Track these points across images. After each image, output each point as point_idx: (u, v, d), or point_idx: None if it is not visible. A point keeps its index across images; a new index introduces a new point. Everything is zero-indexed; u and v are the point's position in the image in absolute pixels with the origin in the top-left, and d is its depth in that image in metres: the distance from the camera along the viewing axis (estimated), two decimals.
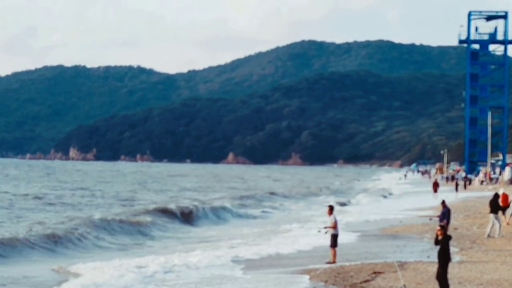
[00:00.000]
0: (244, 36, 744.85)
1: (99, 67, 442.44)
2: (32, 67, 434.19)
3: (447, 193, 56.93)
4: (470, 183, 72.21)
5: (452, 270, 17.10)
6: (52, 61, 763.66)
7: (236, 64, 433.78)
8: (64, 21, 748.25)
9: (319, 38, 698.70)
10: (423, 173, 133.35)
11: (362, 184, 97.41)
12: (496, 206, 26.26)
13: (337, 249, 21.04)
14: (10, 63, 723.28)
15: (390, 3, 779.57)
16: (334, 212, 21.54)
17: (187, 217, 38.18)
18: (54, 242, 26.17)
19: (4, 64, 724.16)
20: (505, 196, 29.58)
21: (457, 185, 57.16)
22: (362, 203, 52.85)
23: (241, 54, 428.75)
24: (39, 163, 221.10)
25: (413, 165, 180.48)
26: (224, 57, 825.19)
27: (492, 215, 26.19)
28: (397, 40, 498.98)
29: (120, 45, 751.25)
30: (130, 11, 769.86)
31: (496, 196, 26.63)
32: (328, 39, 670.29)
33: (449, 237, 15.04)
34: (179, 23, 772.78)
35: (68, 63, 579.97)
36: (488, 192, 59.22)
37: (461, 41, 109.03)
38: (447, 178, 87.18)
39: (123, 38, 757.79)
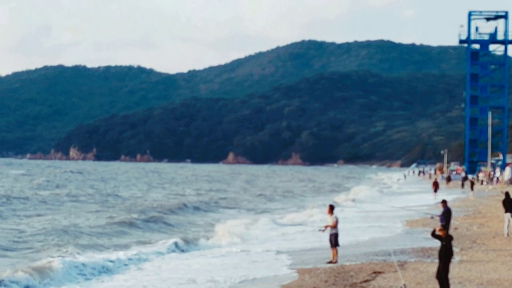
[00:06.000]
0: (258, 35, 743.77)
1: (99, 67, 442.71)
2: (45, 65, 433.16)
3: (459, 194, 57.73)
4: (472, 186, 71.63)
5: (452, 270, 17.13)
6: (65, 60, 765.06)
7: (236, 64, 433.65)
8: (77, 20, 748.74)
9: (319, 38, 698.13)
10: (420, 172, 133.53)
11: (363, 183, 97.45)
12: (510, 205, 26.16)
13: (338, 248, 21.08)
14: (22, 62, 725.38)
15: (395, 4, 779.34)
16: (335, 211, 21.59)
17: None
18: None
19: (16, 63, 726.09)
20: None
21: (472, 183, 56.34)
22: (362, 202, 52.74)
23: (251, 53, 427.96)
24: (53, 163, 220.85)
25: (413, 165, 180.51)
26: (235, 57, 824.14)
27: (508, 214, 26.14)
28: (397, 40, 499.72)
29: (131, 44, 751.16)
30: (144, 11, 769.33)
31: (508, 195, 26.48)
32: (328, 39, 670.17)
33: (451, 238, 15.08)
34: (191, 22, 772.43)
35: (79, 62, 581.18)
36: (488, 193, 59.32)
37: (461, 41, 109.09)
38: (446, 179, 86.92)
39: (135, 37, 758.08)
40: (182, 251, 25.04)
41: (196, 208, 45.53)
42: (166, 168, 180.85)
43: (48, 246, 25.05)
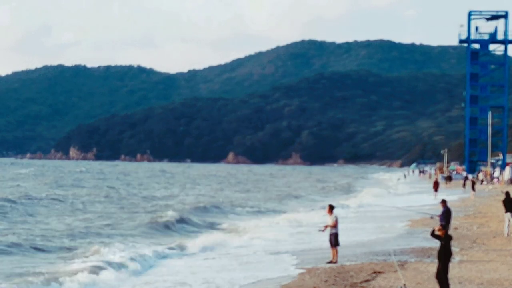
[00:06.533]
0: (258, 35, 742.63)
1: (99, 67, 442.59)
2: (45, 65, 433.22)
3: (461, 194, 57.92)
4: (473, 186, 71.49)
5: (453, 270, 17.14)
6: (65, 60, 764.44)
7: (236, 64, 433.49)
8: (77, 20, 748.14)
9: (319, 37, 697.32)
10: (420, 172, 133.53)
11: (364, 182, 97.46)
12: (510, 205, 26.13)
13: (338, 248, 21.08)
14: (23, 61, 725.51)
15: (395, 4, 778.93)
16: (335, 211, 21.60)
17: None
18: None
19: (16, 62, 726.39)
20: None
21: (473, 183, 56.23)
22: (363, 201, 52.79)
23: (251, 53, 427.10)
24: (52, 163, 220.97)
25: (413, 165, 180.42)
26: (235, 57, 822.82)
27: (508, 214, 26.12)
28: (397, 40, 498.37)
29: (131, 44, 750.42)
30: (144, 10, 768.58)
31: (508, 194, 26.43)
32: (328, 38, 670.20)
33: (450, 237, 15.10)
34: (191, 22, 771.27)
35: (79, 62, 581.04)
36: (488, 192, 59.30)
37: (461, 41, 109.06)
38: (446, 178, 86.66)
39: (135, 37, 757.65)
40: (185, 254, 24.92)
41: (216, 209, 45.03)
42: (173, 168, 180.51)
43: (69, 249, 25.17)
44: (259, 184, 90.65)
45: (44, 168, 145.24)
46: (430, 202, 47.98)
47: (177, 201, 52.45)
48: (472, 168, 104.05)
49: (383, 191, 69.88)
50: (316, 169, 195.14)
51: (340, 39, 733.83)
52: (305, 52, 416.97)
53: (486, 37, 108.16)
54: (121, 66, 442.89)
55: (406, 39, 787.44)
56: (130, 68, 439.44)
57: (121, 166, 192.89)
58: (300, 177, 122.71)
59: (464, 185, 68.27)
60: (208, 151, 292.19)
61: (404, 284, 15.62)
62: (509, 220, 26.15)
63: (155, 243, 26.85)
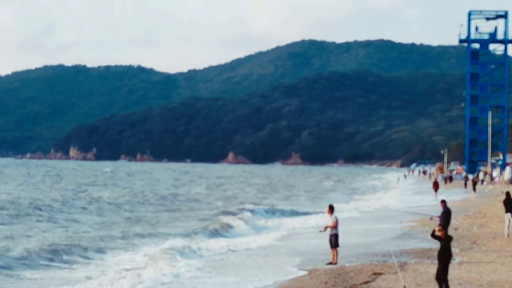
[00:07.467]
0: (258, 35, 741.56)
1: (99, 67, 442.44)
2: (45, 64, 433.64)
3: (463, 194, 57.65)
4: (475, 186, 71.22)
5: (452, 271, 17.09)
6: (65, 60, 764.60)
7: (236, 64, 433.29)
8: (78, 20, 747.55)
9: (319, 37, 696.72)
10: (420, 172, 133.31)
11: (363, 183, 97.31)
12: (511, 205, 26.05)
13: (338, 249, 21.02)
14: (25, 61, 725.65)
15: (395, 4, 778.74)
16: (335, 212, 21.53)
17: None
18: None
19: (18, 62, 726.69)
20: None
21: (474, 183, 55.75)
22: (363, 203, 52.74)
23: (251, 53, 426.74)
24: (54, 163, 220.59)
25: (413, 165, 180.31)
26: (235, 56, 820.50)
27: (508, 214, 26.05)
28: (397, 39, 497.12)
29: (131, 44, 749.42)
30: (144, 10, 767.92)
31: (509, 195, 26.34)
32: (328, 38, 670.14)
33: (451, 238, 15.05)
34: (191, 22, 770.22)
35: (79, 61, 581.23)
36: (488, 192, 59.22)
37: (461, 41, 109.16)
38: (445, 179, 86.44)
39: (135, 37, 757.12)
40: (185, 255, 24.76)
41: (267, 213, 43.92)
42: (191, 168, 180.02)
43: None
44: (293, 184, 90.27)
45: (59, 169, 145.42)
46: (430, 202, 47.89)
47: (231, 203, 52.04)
48: (472, 168, 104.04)
49: (405, 191, 70.25)
50: (323, 169, 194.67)
51: (340, 39, 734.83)
52: (305, 52, 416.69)
53: (486, 37, 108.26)
54: (121, 66, 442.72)
55: (406, 39, 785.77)
56: (130, 68, 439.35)
57: (133, 166, 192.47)
58: (319, 177, 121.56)
59: (465, 185, 68.18)
60: (208, 151, 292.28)
61: (404, 286, 15.57)
62: (509, 221, 26.08)
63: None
